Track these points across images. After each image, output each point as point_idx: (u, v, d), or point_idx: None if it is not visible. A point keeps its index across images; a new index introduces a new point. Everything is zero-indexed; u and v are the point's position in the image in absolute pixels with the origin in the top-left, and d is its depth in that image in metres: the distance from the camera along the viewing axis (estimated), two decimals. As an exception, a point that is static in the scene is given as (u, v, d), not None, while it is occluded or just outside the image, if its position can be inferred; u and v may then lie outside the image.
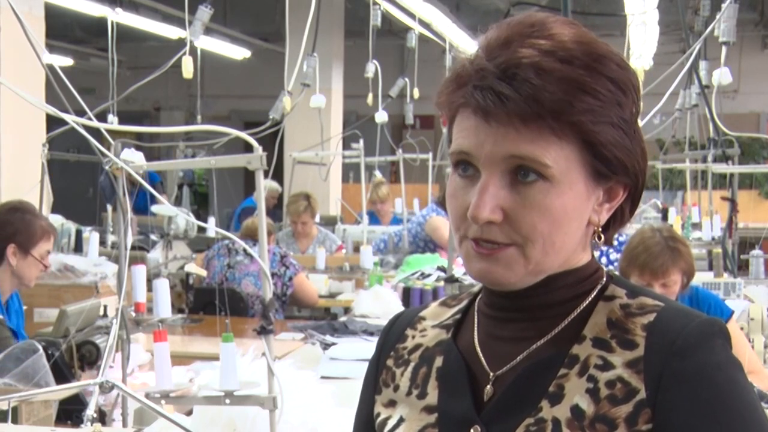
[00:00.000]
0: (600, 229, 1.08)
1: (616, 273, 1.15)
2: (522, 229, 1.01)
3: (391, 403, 1.16)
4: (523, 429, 1.02)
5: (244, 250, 5.23)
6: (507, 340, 1.09)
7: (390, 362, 1.19)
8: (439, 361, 1.14)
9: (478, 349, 1.11)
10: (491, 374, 1.08)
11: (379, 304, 4.81)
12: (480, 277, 1.05)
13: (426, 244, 6.75)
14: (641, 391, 0.99)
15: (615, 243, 1.18)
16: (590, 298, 1.07)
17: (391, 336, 1.22)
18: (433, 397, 1.12)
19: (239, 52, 11.16)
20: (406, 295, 4.87)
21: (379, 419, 1.16)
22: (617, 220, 1.10)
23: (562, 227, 1.02)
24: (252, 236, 5.07)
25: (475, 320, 1.14)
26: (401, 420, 1.13)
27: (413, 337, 1.19)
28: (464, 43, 8.31)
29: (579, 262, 1.08)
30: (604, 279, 1.10)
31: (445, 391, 1.11)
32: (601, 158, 1.02)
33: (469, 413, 1.07)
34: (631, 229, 3.95)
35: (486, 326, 1.12)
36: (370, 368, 1.22)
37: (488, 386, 1.08)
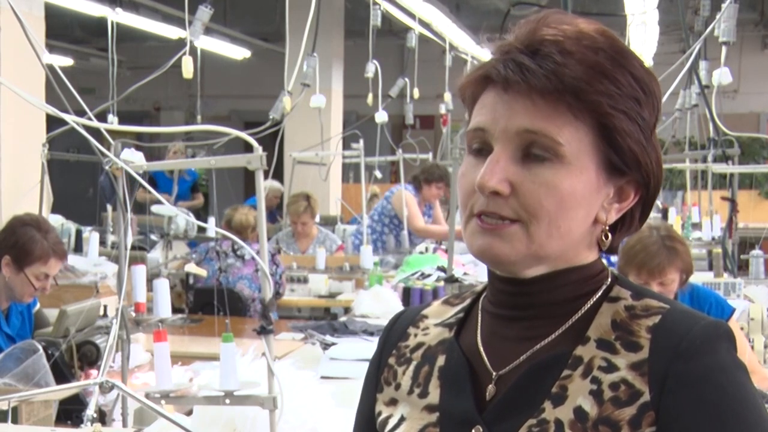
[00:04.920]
0: (607, 229, 1.07)
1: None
2: (528, 204, 1.01)
3: (393, 402, 1.15)
4: (525, 430, 1.02)
5: (234, 252, 5.22)
6: (511, 340, 1.08)
7: (392, 360, 1.18)
8: (441, 360, 1.13)
9: (481, 348, 1.10)
10: (494, 374, 1.07)
11: (379, 304, 4.81)
12: (481, 253, 1.04)
13: (391, 220, 6.82)
14: (645, 393, 0.99)
15: None
16: (595, 299, 1.07)
17: (393, 334, 1.21)
18: (434, 396, 1.11)
19: (239, 52, 11.16)
20: (406, 295, 4.87)
21: (381, 418, 1.15)
22: (626, 224, 1.09)
23: (568, 211, 1.02)
24: (242, 232, 5.06)
25: (479, 319, 1.13)
26: (402, 419, 1.12)
27: (415, 335, 1.18)
28: (464, 43, 8.31)
29: (585, 260, 1.08)
30: (609, 279, 1.09)
31: (446, 391, 1.10)
32: (615, 147, 1.03)
33: (471, 413, 1.06)
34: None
35: (490, 325, 1.11)
36: (371, 366, 1.22)
37: (491, 386, 1.07)
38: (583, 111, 1.01)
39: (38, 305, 3.67)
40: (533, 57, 1.01)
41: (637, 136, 1.03)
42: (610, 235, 1.08)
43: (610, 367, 1.01)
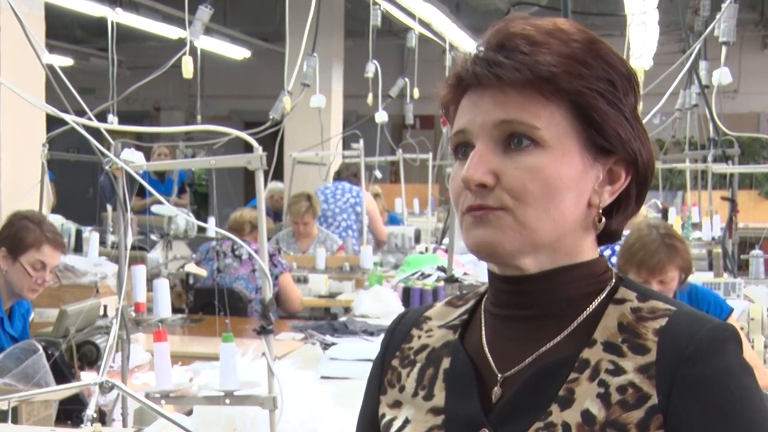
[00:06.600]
0: (600, 212, 1.07)
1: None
2: (512, 189, 1.02)
3: (397, 404, 1.15)
4: None
5: (232, 252, 5.22)
6: (515, 341, 1.08)
7: (395, 362, 1.18)
8: (446, 363, 1.13)
9: (486, 350, 1.10)
10: (499, 375, 1.07)
11: (379, 304, 4.81)
12: (476, 246, 1.04)
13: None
14: (653, 396, 0.99)
15: None
16: (600, 299, 1.07)
17: (396, 336, 1.20)
18: (440, 398, 1.11)
19: (239, 52, 11.16)
20: (406, 295, 4.87)
21: (385, 420, 1.15)
22: (623, 206, 1.09)
23: (554, 193, 1.02)
24: (239, 230, 5.06)
25: (482, 320, 1.13)
26: (407, 421, 1.12)
27: (419, 337, 1.18)
28: (464, 43, 8.31)
29: (585, 254, 1.07)
30: (614, 280, 1.09)
31: (452, 393, 1.10)
32: (595, 126, 1.03)
33: (477, 415, 1.06)
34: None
35: (493, 326, 1.11)
36: (374, 368, 1.21)
37: (496, 388, 1.07)
38: (557, 94, 1.02)
39: (32, 314, 3.67)
40: (500, 51, 1.03)
41: (614, 114, 1.03)
42: (604, 218, 1.07)
43: (618, 370, 1.01)
